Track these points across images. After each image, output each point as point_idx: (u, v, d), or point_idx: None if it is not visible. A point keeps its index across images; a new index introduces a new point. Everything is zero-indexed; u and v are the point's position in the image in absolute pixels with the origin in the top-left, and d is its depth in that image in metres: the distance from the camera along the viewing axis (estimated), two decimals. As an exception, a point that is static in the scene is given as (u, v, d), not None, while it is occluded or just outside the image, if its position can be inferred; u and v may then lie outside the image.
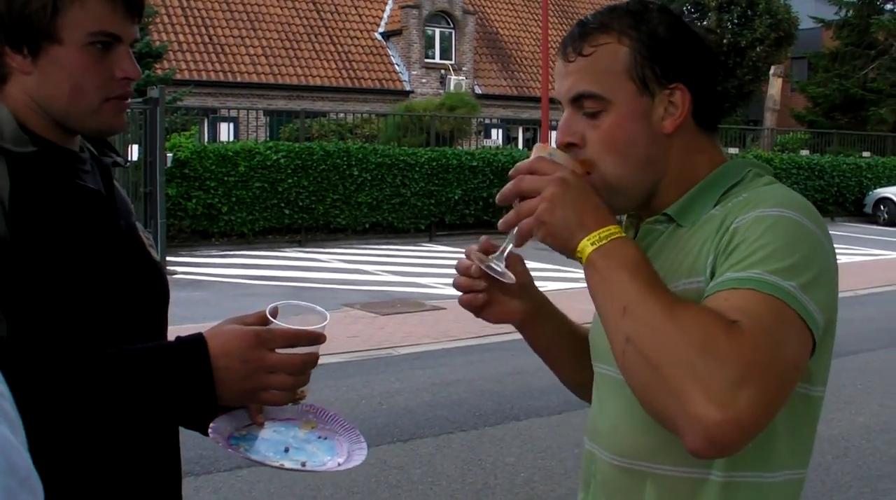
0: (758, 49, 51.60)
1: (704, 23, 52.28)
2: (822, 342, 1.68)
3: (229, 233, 21.45)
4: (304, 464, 1.94)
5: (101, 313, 1.89)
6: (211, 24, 35.72)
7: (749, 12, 52.06)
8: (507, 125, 38.63)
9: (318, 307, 1.99)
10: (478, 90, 39.39)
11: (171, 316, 2.18)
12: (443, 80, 38.81)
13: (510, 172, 1.75)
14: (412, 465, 7.13)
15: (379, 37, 39.61)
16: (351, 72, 37.60)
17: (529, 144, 37.06)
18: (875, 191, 32.23)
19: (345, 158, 22.64)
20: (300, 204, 22.09)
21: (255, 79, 35.20)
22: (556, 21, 43.07)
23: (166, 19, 34.40)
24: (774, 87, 37.30)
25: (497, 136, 37.75)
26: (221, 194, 20.97)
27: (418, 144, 25.61)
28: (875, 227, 30.49)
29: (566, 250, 1.70)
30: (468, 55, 39.91)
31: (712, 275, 1.70)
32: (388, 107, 34.82)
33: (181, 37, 34.67)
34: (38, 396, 1.69)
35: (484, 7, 43.70)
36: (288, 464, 1.92)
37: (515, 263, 1.99)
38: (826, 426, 8.35)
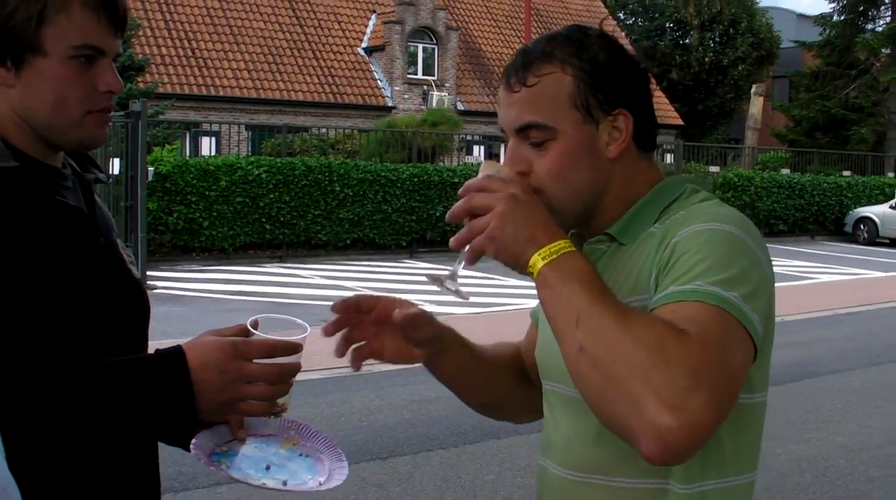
0: (739, 68, 52.00)
1: (687, 41, 52.60)
2: (762, 350, 1.73)
3: (210, 248, 21.40)
4: (285, 483, 1.93)
5: (79, 330, 1.88)
6: (193, 38, 35.72)
7: (731, 31, 52.48)
8: (489, 142, 38.66)
9: (299, 320, 2.00)
10: (460, 106, 39.45)
11: (151, 331, 2.17)
12: (425, 97, 38.87)
13: (460, 191, 1.76)
14: (391, 482, 7.11)
15: (362, 52, 39.67)
16: (333, 87, 37.62)
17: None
18: (855, 210, 32.38)
19: (326, 174, 22.63)
20: (281, 219, 22.07)
21: (237, 93, 35.19)
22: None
23: (149, 32, 34.36)
24: (756, 105, 37.45)
25: (479, 152, 37.82)
26: (203, 209, 20.93)
27: (400, 160, 25.64)
28: (855, 246, 30.63)
29: (518, 265, 1.70)
30: (451, 71, 39.98)
31: (656, 290, 1.74)
32: (370, 122, 34.84)
33: (164, 50, 34.66)
34: (18, 408, 1.69)
35: (467, 23, 43.81)
36: (269, 483, 1.91)
37: (416, 308, 2.01)
38: (805, 445, 8.38)
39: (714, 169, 31.65)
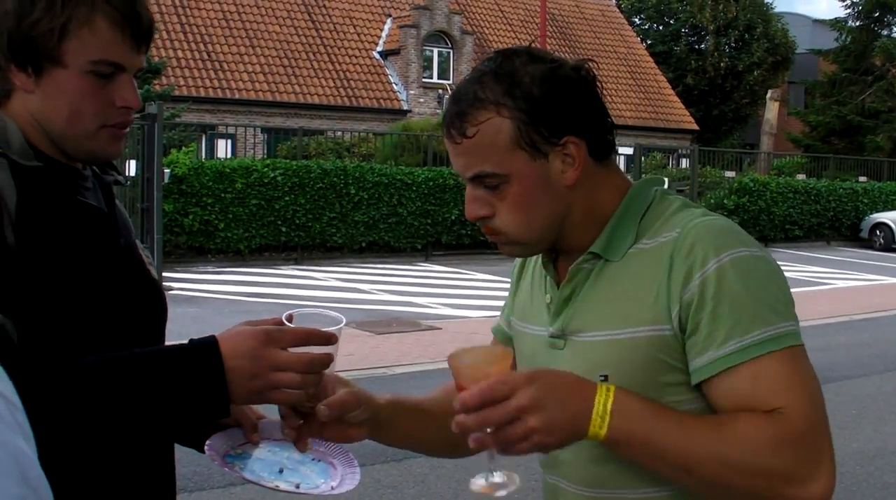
0: (755, 73, 51.85)
1: (702, 46, 52.50)
2: None
3: (225, 250, 21.44)
4: (297, 486, 1.94)
5: (99, 328, 1.89)
6: (210, 41, 35.79)
7: (746, 36, 52.34)
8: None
9: (334, 313, 1.99)
10: (475, 110, 39.37)
11: (167, 332, 2.18)
12: (440, 100, 38.86)
13: (456, 407, 1.65)
14: (406, 485, 7.12)
15: (377, 56, 39.69)
16: (349, 90, 37.66)
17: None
18: (871, 216, 32.26)
19: (342, 177, 22.66)
20: (297, 222, 22.10)
21: (253, 96, 35.24)
22: (554, 42, 43.18)
23: (165, 35, 34.45)
24: (771, 111, 37.40)
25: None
26: (218, 211, 20.98)
27: (415, 164, 25.64)
28: (871, 252, 30.52)
29: (579, 439, 1.70)
30: (466, 75, 39.87)
31: (683, 329, 1.77)
32: (385, 126, 34.86)
33: (180, 53, 34.74)
34: (48, 400, 1.69)
35: (482, 28, 43.80)
36: (282, 485, 1.93)
37: (341, 395, 1.95)
38: (820, 450, 8.33)
39: (730, 174, 31.57)
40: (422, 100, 38.85)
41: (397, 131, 30.41)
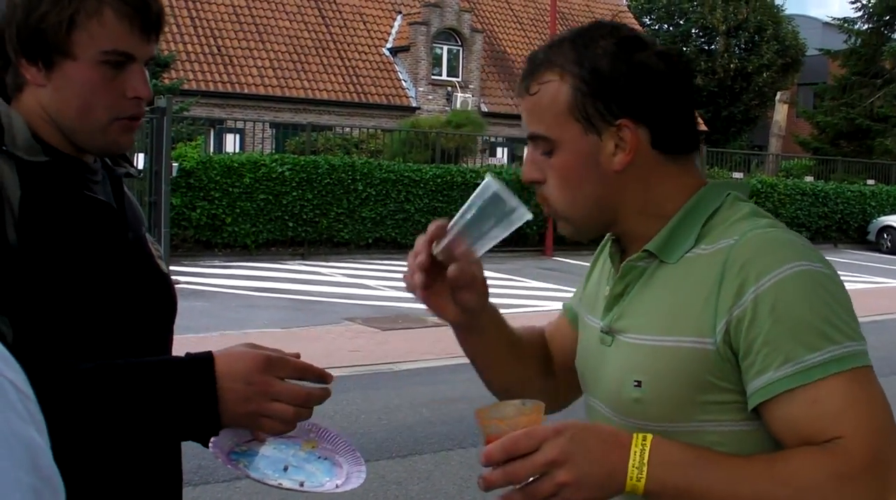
0: (765, 75, 51.76)
1: (712, 47, 52.43)
2: None
3: (232, 244, 21.44)
4: (301, 484, 1.94)
5: (106, 323, 1.90)
6: (219, 35, 35.79)
7: (756, 37, 52.24)
8: (513, 144, 38.67)
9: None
10: (484, 108, 39.42)
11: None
12: (449, 98, 38.85)
13: (482, 460, 1.59)
14: (411, 481, 7.12)
15: (387, 52, 39.68)
16: (358, 86, 37.65)
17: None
18: (879, 219, 32.17)
19: (350, 173, 22.65)
20: (304, 217, 22.10)
21: (262, 91, 35.23)
22: (564, 41, 43.12)
23: (175, 29, 34.45)
24: (780, 113, 37.32)
25: (502, 154, 37.81)
26: (226, 205, 20.98)
27: (423, 161, 25.61)
28: (878, 255, 30.44)
29: (615, 494, 1.61)
30: (475, 73, 39.96)
31: (729, 345, 1.65)
32: (394, 122, 34.82)
33: (189, 47, 34.73)
34: (43, 402, 1.70)
35: (492, 26, 43.78)
36: (286, 483, 1.92)
37: (476, 273, 1.91)
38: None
39: (738, 175, 31.50)
40: (430, 97, 38.82)
41: (406, 128, 30.38)
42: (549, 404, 2.06)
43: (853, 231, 32.45)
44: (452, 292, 1.93)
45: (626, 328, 1.82)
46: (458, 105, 37.84)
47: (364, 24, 39.96)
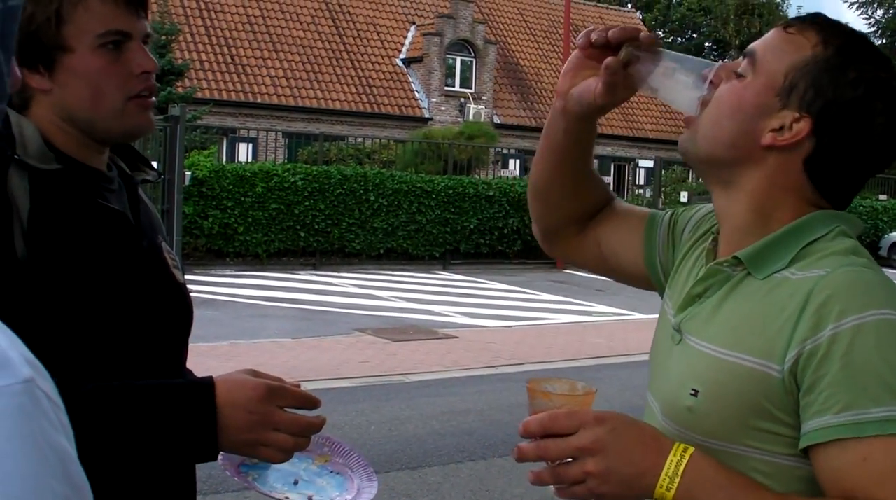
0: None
1: (726, 60, 52.40)
2: None
3: (244, 253, 21.49)
4: (310, 498, 1.93)
5: (116, 334, 1.88)
6: (233, 45, 35.87)
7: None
8: (525, 156, 38.67)
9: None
10: (497, 120, 39.47)
11: (185, 335, 2.18)
12: (462, 109, 38.89)
13: (520, 430, 1.59)
14: (420, 493, 7.11)
15: (400, 63, 39.73)
16: (371, 97, 37.70)
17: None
18: (891, 234, 32.09)
19: (362, 183, 22.68)
20: (316, 227, 22.13)
21: (275, 100, 35.30)
22: (578, 54, 43.17)
23: (189, 38, 34.55)
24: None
25: (514, 166, 37.81)
26: (238, 214, 21.02)
27: (435, 172, 25.65)
28: (890, 270, 30.23)
29: (642, 497, 1.56)
30: (488, 85, 40.00)
31: (794, 376, 1.57)
32: (406, 133, 34.88)
33: (203, 56, 34.82)
34: None
35: (505, 37, 43.83)
36: (293, 497, 1.92)
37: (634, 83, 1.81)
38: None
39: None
40: (443, 108, 38.87)
41: (418, 139, 30.45)
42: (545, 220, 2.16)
43: (865, 247, 32.28)
44: (608, 74, 1.80)
45: (695, 332, 1.77)
46: (471, 116, 37.88)
47: (378, 34, 40.03)
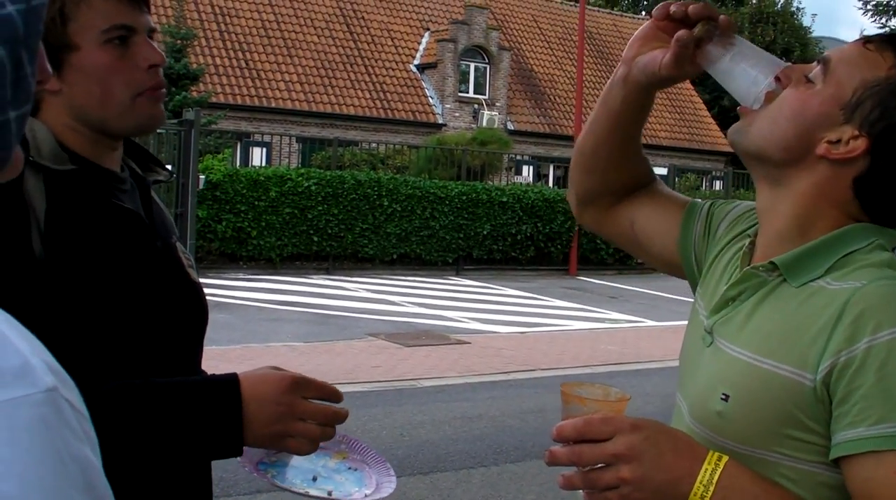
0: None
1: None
2: None
3: (257, 257, 21.53)
4: (330, 493, 1.93)
5: (133, 333, 1.89)
6: (248, 50, 35.90)
7: (784, 59, 51.90)
8: (539, 162, 38.67)
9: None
10: (510, 126, 39.44)
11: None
12: (476, 115, 38.87)
13: (553, 434, 1.57)
14: (432, 498, 7.10)
15: (414, 69, 39.73)
16: (385, 102, 37.70)
17: (560, 182, 37.03)
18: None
19: (375, 188, 22.71)
20: (329, 232, 22.15)
21: (289, 105, 35.31)
22: (591, 61, 43.16)
23: (204, 42, 34.58)
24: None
25: (528, 173, 37.78)
26: (251, 218, 21.06)
27: (449, 178, 25.67)
28: None
29: None
30: (502, 91, 39.97)
31: (827, 387, 1.56)
32: (420, 139, 34.86)
33: (218, 60, 34.86)
34: None
35: (519, 44, 43.79)
36: (313, 492, 1.92)
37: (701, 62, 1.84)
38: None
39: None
40: (457, 114, 38.86)
41: (432, 145, 30.45)
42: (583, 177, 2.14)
43: None
44: (678, 46, 1.82)
45: (727, 336, 1.76)
46: (485, 122, 37.86)
47: (392, 40, 40.04)
